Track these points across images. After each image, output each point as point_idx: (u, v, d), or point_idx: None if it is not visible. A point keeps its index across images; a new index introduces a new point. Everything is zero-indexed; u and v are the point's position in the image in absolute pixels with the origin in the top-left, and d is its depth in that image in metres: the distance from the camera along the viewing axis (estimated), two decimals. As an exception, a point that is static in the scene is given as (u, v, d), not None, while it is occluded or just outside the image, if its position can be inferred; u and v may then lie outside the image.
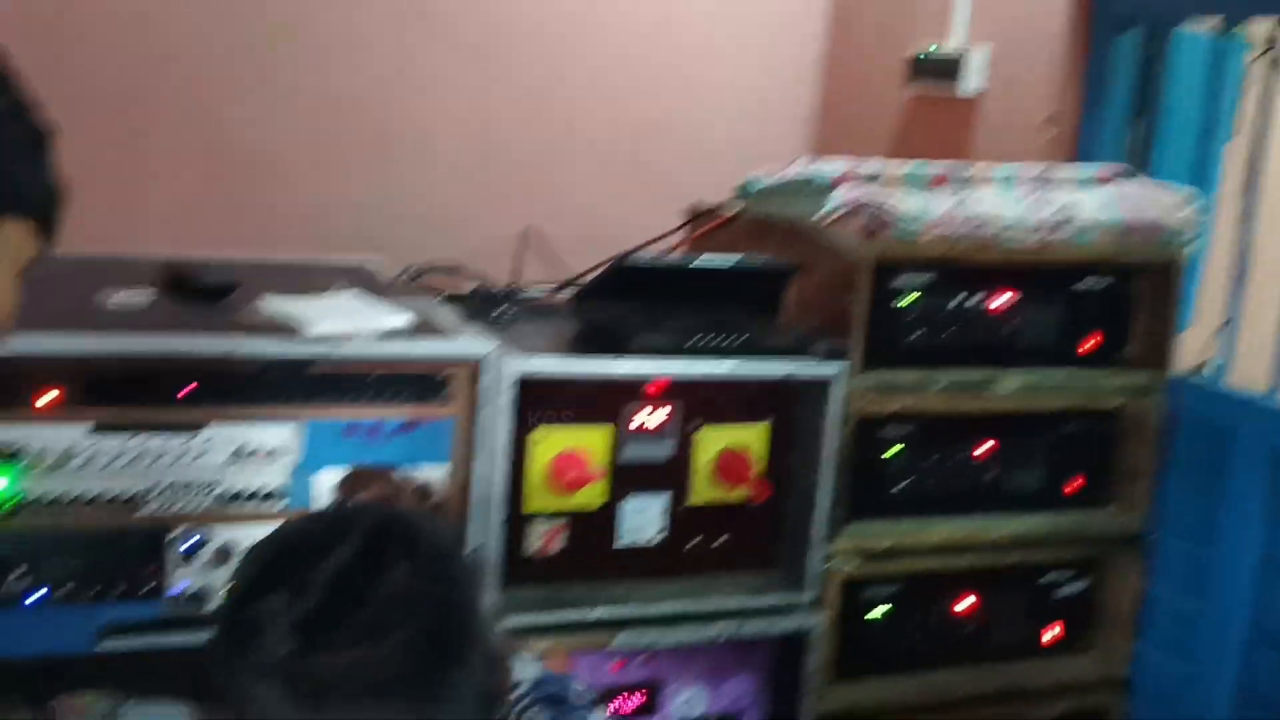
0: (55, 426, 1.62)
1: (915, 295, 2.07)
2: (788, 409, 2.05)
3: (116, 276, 1.89)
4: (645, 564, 2.00)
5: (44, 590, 1.65)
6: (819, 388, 2.01)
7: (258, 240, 2.39)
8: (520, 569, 1.90)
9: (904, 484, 2.13)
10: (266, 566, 1.09)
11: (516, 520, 1.89)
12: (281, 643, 1.03)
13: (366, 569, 1.05)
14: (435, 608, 1.07)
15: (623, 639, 1.94)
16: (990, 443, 2.18)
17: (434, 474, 1.78)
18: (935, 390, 2.10)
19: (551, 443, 1.90)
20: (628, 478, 1.96)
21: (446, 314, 1.96)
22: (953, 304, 2.10)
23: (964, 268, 2.09)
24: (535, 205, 2.61)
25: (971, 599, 2.22)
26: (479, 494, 1.82)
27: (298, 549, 1.09)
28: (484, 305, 2.11)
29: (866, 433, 2.08)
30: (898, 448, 2.11)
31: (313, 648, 1.03)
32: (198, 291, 1.87)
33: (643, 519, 1.98)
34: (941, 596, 2.20)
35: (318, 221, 2.50)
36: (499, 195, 2.61)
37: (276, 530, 1.14)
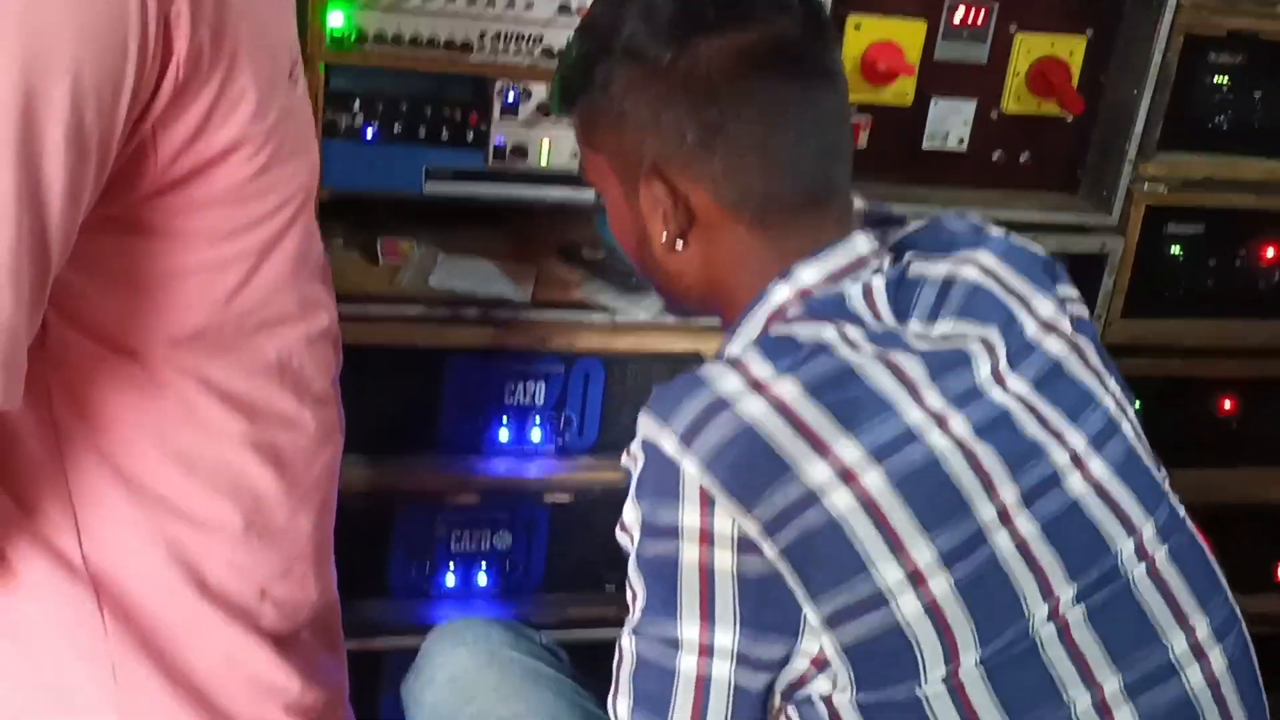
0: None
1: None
2: (1112, 21, 1.95)
3: None
4: (949, 169, 1.97)
5: (376, 128, 1.74)
6: (1149, -4, 1.91)
7: None
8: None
9: (1228, 113, 2.01)
10: None
11: (823, 109, 1.88)
12: (657, 38, 1.06)
13: None
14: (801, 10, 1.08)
15: (920, 237, 1.93)
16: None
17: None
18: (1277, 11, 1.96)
19: (866, 31, 1.86)
20: (939, 78, 1.91)
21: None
22: (1312, -86, 1.94)
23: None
24: None
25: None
26: (790, 77, 1.81)
27: None
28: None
29: (1194, 54, 1.96)
30: (1226, 74, 1.99)
31: (688, 39, 1.05)
32: None
33: (951, 123, 1.94)
34: (1249, 239, 2.10)
35: None
36: None
37: None
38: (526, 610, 1.93)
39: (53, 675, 1.00)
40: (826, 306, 1.06)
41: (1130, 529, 1.07)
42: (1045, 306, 1.12)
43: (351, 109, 1.72)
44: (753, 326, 1.09)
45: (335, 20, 1.66)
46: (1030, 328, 1.10)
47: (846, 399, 1.00)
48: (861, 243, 1.11)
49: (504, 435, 1.90)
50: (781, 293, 1.08)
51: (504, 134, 1.77)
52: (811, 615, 0.99)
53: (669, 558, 1.01)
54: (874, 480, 0.98)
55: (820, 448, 0.98)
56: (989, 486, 1.02)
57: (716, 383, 1.00)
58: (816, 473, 0.97)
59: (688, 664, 1.03)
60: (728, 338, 1.12)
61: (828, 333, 1.03)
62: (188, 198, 0.92)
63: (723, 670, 1.03)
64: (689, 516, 0.99)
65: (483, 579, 1.94)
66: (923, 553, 0.98)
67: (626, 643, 1.08)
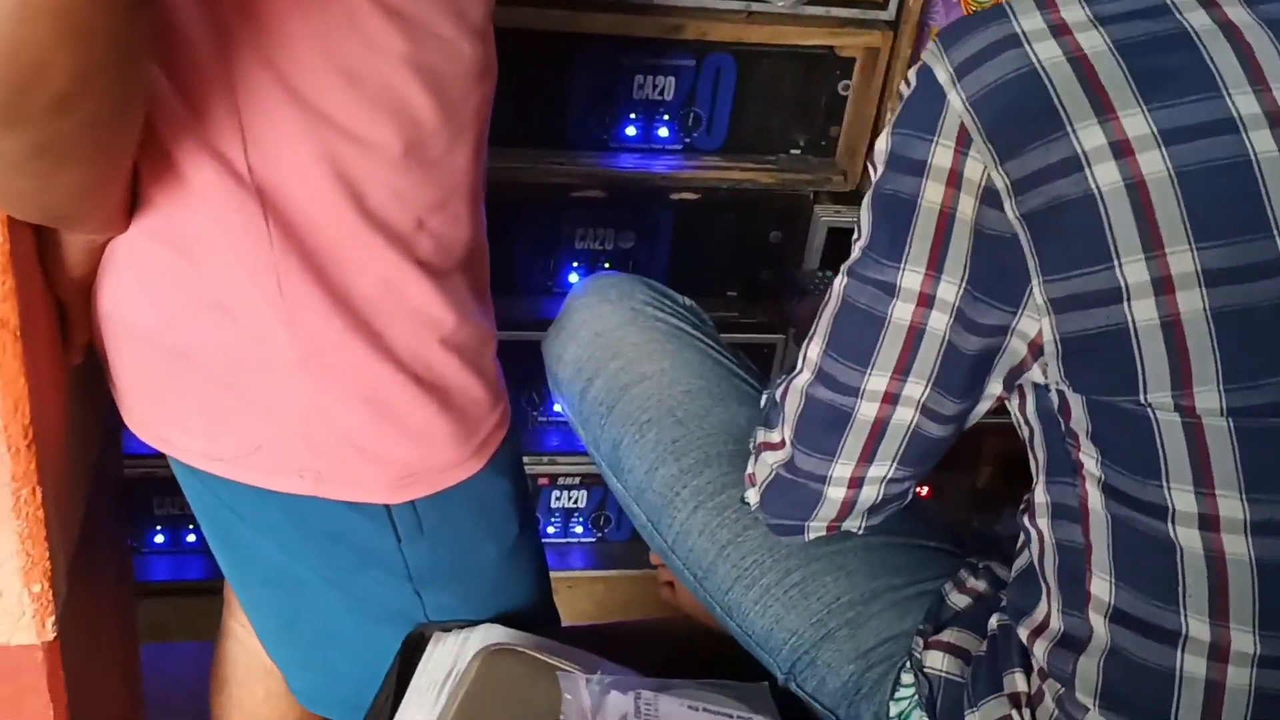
0: None
1: None
2: None
3: None
4: None
5: None
6: None
7: None
8: None
9: None
10: None
11: None
12: None
13: None
14: None
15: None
16: None
17: None
18: None
19: None
20: None
21: None
22: None
23: None
24: None
25: None
26: None
27: None
28: None
29: None
30: None
31: None
32: None
33: None
34: None
35: None
36: None
37: None
38: (649, 309, 1.92)
39: (219, 287, 1.01)
40: None
41: None
42: None
43: None
44: None
45: None
46: None
47: (1160, 66, 0.87)
48: None
49: (631, 131, 1.86)
50: None
51: None
52: (1038, 292, 0.91)
53: (908, 195, 0.94)
54: (1152, 162, 0.86)
55: (1105, 110, 0.87)
56: None
57: (1018, 17, 0.90)
58: (1089, 137, 0.86)
59: (902, 312, 0.98)
60: None
61: None
62: None
63: (940, 323, 0.97)
64: (941, 154, 0.92)
65: (605, 277, 1.93)
66: (1182, 261, 0.86)
67: (837, 283, 1.03)
